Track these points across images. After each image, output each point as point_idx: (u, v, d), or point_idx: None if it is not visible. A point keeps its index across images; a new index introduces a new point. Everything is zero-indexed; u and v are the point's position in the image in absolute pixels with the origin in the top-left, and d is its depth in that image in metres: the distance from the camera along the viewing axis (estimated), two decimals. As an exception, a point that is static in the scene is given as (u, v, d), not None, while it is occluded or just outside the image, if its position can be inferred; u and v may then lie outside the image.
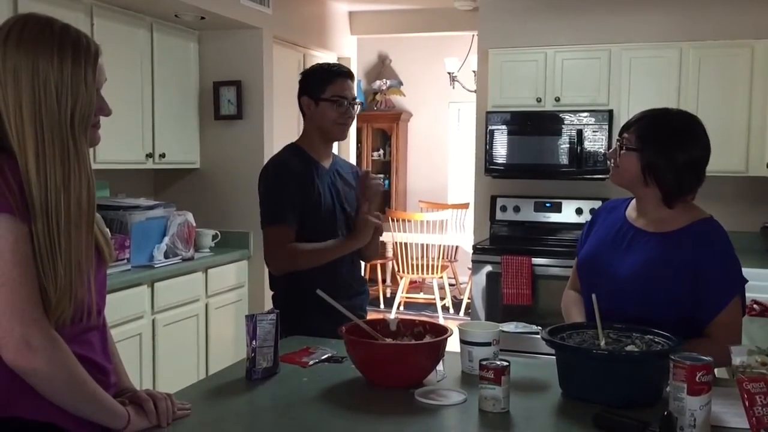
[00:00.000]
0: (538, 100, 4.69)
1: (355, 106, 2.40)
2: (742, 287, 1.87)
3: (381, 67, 8.30)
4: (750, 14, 4.47)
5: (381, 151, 8.20)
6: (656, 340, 1.70)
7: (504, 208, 4.93)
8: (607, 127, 4.50)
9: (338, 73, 2.39)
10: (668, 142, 1.86)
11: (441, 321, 6.33)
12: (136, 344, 3.54)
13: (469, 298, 5.29)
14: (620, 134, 1.94)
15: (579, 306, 2.05)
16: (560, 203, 4.82)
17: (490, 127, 4.75)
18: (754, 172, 4.32)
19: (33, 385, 1.27)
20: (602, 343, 1.70)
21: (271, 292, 2.47)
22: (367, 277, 5.68)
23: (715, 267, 1.83)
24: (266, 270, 4.54)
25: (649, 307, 1.83)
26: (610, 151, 1.97)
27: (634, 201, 2.00)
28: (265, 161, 4.41)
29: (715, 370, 1.70)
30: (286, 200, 2.31)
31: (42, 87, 1.26)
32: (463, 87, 6.53)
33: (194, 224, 4.02)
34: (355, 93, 2.44)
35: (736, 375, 1.55)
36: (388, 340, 1.86)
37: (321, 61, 5.43)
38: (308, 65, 5.27)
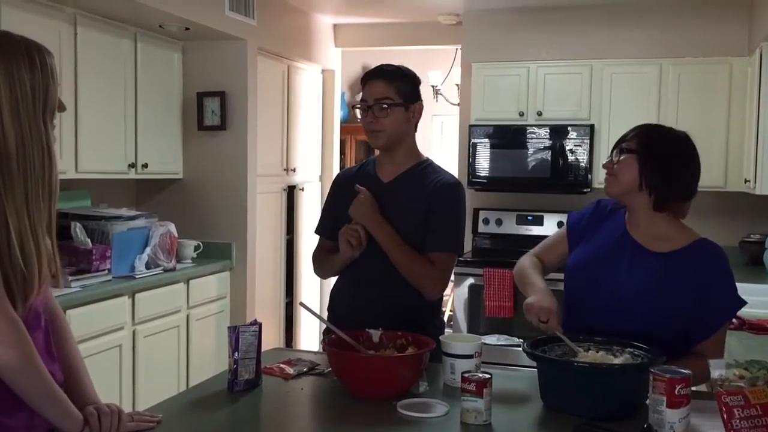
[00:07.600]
0: (521, 114, 4.73)
1: (383, 108, 2.19)
2: (741, 308, 1.90)
3: (365, 80, 8.30)
4: (728, 33, 4.54)
5: (364, 163, 8.19)
6: (636, 353, 1.72)
7: (486, 221, 4.95)
8: (588, 141, 4.55)
9: (365, 76, 2.25)
10: (666, 147, 1.89)
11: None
12: (116, 355, 3.51)
13: (451, 311, 5.29)
14: (617, 144, 1.94)
15: (538, 269, 2.02)
16: (542, 216, 4.86)
17: (472, 140, 4.79)
18: (733, 188, 4.37)
19: None
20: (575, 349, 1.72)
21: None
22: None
23: (721, 289, 1.86)
24: (248, 281, 4.54)
25: (651, 324, 1.82)
26: (607, 162, 1.95)
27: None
28: (249, 172, 4.49)
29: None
30: (325, 211, 2.40)
31: (19, 89, 1.34)
32: (447, 100, 6.56)
33: (176, 235, 4.00)
34: (385, 93, 2.22)
35: (715, 388, 1.57)
36: (371, 353, 1.87)
37: (306, 73, 5.50)
38: (292, 77, 5.28)
